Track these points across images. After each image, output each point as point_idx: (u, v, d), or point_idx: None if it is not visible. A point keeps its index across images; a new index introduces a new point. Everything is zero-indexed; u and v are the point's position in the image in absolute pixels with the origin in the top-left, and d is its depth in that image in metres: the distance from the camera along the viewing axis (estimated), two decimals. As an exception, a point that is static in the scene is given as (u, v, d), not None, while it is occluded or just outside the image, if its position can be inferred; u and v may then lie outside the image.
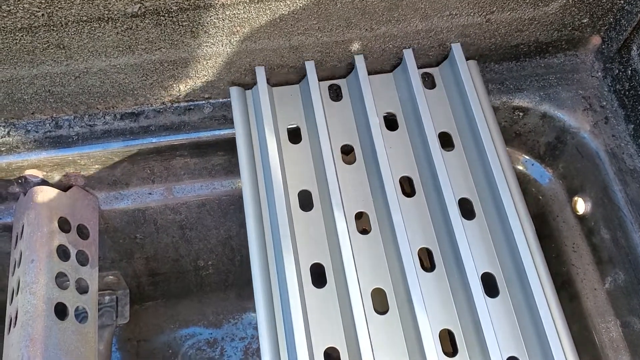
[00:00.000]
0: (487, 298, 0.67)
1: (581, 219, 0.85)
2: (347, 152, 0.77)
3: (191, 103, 0.82)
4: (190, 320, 1.12)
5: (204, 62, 0.76)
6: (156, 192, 0.88)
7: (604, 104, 0.84)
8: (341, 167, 0.76)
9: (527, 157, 0.92)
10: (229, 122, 0.81)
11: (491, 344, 0.63)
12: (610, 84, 0.84)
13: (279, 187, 0.70)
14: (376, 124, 0.75)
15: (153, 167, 0.85)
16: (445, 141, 0.78)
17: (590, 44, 0.86)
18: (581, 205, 0.84)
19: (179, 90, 0.80)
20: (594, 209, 0.83)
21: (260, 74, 0.77)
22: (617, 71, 0.83)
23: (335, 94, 0.82)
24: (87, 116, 0.81)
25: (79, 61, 0.72)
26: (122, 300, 1.00)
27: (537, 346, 0.65)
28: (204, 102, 0.82)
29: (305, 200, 0.74)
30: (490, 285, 0.70)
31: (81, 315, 0.78)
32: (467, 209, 0.74)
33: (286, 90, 0.81)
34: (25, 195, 0.82)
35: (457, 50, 0.80)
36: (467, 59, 0.83)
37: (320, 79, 0.80)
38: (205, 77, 0.78)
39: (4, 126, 0.80)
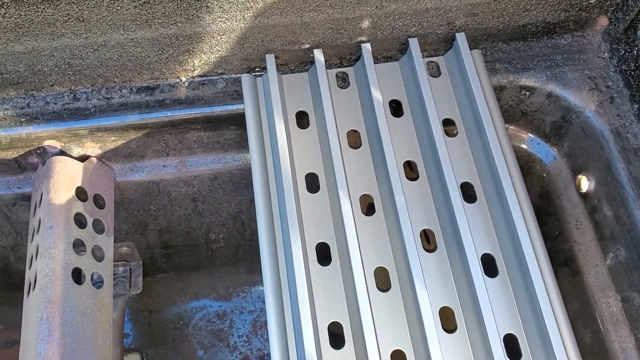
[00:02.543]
0: (486, 278, 0.70)
1: (584, 196, 0.87)
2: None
3: (205, 78, 0.84)
4: (201, 293, 1.15)
5: (218, 38, 0.78)
6: (170, 165, 0.91)
7: (610, 84, 0.85)
8: (347, 151, 0.78)
9: (532, 136, 0.93)
10: (241, 97, 0.83)
11: (489, 321, 0.66)
12: (616, 65, 0.86)
13: (286, 169, 0.73)
14: (381, 109, 0.78)
15: (167, 140, 0.87)
16: (449, 127, 0.81)
17: (597, 25, 0.87)
18: (585, 184, 0.86)
19: (193, 65, 0.82)
20: (598, 187, 0.84)
21: (271, 61, 0.80)
22: (623, 52, 0.85)
23: (343, 81, 0.84)
24: (104, 89, 0.84)
25: (98, 34, 0.74)
26: (136, 272, 1.03)
27: (534, 324, 0.68)
28: (217, 77, 0.84)
29: (312, 183, 0.76)
30: (489, 266, 0.72)
31: (97, 282, 0.80)
32: (468, 193, 0.76)
33: (295, 78, 0.84)
34: (43, 165, 0.85)
35: (461, 39, 0.83)
36: (476, 39, 0.85)
37: (329, 66, 0.84)
38: (219, 53, 0.80)
39: (23, 98, 0.83)
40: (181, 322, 1.13)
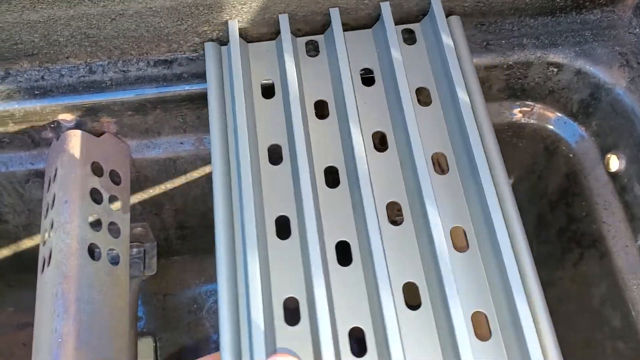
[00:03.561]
0: (455, 253, 0.66)
1: (614, 176, 0.85)
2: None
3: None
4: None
5: (239, 7, 0.75)
6: (187, 142, 0.89)
7: (641, 60, 0.83)
8: (313, 121, 0.75)
9: (559, 115, 0.91)
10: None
11: (455, 297, 0.61)
12: (647, 40, 0.83)
13: (244, 140, 0.70)
14: (348, 78, 0.74)
15: (185, 116, 0.85)
16: (424, 97, 0.77)
17: (628, 0, 0.85)
18: (614, 163, 0.84)
19: (212, 37, 0.80)
20: (628, 166, 0.82)
21: (233, 28, 0.77)
22: (655, 27, 0.82)
23: (314, 49, 0.81)
24: (120, 62, 0.81)
25: (116, 2, 0.72)
26: (150, 253, 1.01)
27: (504, 302, 0.63)
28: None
29: (276, 154, 0.73)
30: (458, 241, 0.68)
31: (112, 259, 0.78)
32: (439, 164, 0.73)
33: (263, 47, 0.80)
34: (58, 140, 0.83)
35: (436, 5, 0.79)
36: (501, 9, 0.82)
37: (301, 34, 0.80)
38: (239, 24, 0.78)
39: (38, 70, 0.81)
40: (195, 306, 1.11)
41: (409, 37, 0.81)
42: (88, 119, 0.82)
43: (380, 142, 0.76)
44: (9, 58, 0.79)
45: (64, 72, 0.81)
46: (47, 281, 0.74)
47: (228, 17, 0.77)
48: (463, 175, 0.71)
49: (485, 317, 0.64)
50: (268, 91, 0.78)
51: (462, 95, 0.73)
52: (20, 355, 1.11)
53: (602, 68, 0.83)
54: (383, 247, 0.65)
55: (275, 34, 0.80)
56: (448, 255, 0.64)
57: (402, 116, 0.73)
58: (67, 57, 0.80)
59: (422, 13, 0.82)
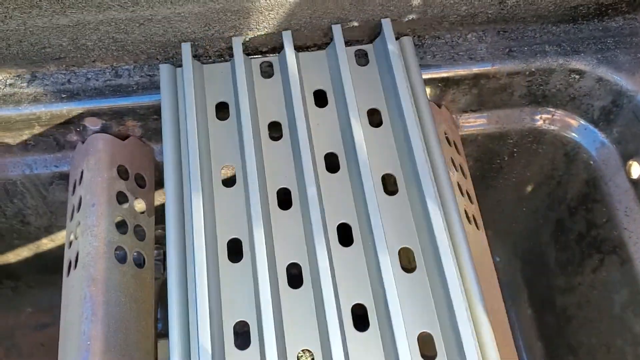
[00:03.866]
0: (401, 273, 0.66)
1: (635, 183, 0.85)
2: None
3: (249, 57, 0.82)
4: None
5: (266, 13, 0.76)
6: (210, 146, 0.89)
7: (663, 68, 0.83)
8: (267, 143, 0.75)
9: (579, 122, 0.91)
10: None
11: (400, 319, 0.62)
12: (669, 48, 0.84)
13: (195, 162, 0.70)
14: (299, 99, 0.75)
15: (208, 120, 0.85)
16: (375, 118, 0.78)
17: (651, 7, 0.85)
18: (636, 170, 0.84)
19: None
20: (650, 173, 0.82)
21: (186, 49, 0.78)
22: (677, 35, 0.83)
23: (269, 70, 0.81)
24: (146, 66, 0.82)
25: (145, 7, 0.73)
26: (170, 255, 1.01)
27: (449, 322, 0.63)
28: (260, 56, 0.83)
29: (229, 177, 0.74)
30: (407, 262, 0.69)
31: (137, 262, 0.79)
32: (390, 185, 0.73)
33: (217, 68, 0.81)
34: (83, 143, 0.83)
35: (386, 26, 0.79)
36: (524, 16, 0.82)
37: (257, 54, 0.81)
38: (265, 30, 0.79)
39: (64, 73, 0.81)
40: (213, 308, 1.11)
41: (363, 58, 0.82)
42: (114, 123, 0.83)
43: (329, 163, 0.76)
44: (37, 61, 0.79)
45: (90, 76, 0.81)
46: (73, 284, 0.74)
47: (254, 24, 0.77)
48: (411, 196, 0.71)
49: (432, 335, 0.64)
50: (223, 112, 0.78)
51: (411, 118, 0.73)
52: (39, 356, 1.11)
53: (624, 75, 0.84)
54: (332, 269, 0.66)
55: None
56: (393, 275, 0.64)
57: (352, 138, 0.73)
58: (93, 61, 0.81)
59: (375, 34, 0.82)
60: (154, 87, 0.81)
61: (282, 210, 0.71)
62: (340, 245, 0.69)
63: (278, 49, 0.82)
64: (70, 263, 0.77)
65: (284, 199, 0.72)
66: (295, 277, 0.68)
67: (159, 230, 0.98)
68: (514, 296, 1.19)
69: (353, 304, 0.66)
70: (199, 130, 0.73)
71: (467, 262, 0.67)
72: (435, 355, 0.63)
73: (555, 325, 1.05)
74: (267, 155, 0.74)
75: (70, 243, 0.79)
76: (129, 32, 0.76)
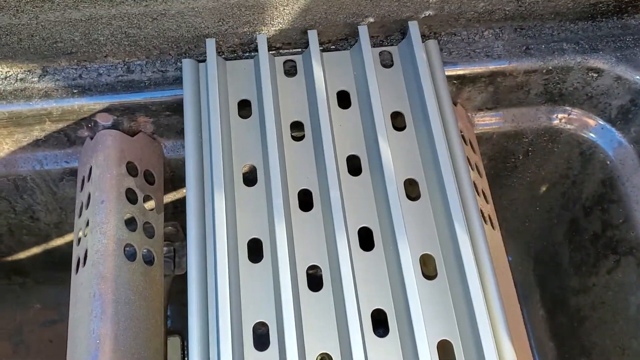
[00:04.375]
0: (423, 280, 0.66)
1: (653, 184, 0.84)
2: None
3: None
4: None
5: (281, 9, 0.75)
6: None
7: (683, 66, 0.82)
8: (289, 143, 0.74)
9: (597, 121, 0.90)
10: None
11: (421, 326, 0.61)
12: (690, 47, 0.82)
13: (217, 161, 0.69)
14: (323, 100, 0.74)
15: (220, 116, 0.84)
16: (398, 121, 0.76)
17: (671, 5, 0.84)
18: (654, 170, 0.83)
19: (252, 38, 0.79)
20: (668, 174, 0.81)
21: (211, 45, 0.76)
22: (698, 33, 0.81)
23: (292, 69, 0.80)
24: (159, 62, 0.81)
25: (159, 2, 0.72)
26: (180, 252, 1.00)
27: (470, 330, 0.63)
28: (274, 51, 0.81)
29: (250, 175, 0.73)
30: (428, 268, 0.68)
31: (147, 259, 0.78)
32: (412, 191, 0.72)
33: (240, 65, 0.80)
34: (92, 139, 0.82)
35: (413, 28, 0.78)
36: (541, 13, 0.81)
37: (279, 53, 0.80)
38: (280, 25, 0.77)
39: (75, 68, 0.81)
40: (223, 306, 1.11)
41: (387, 59, 0.81)
42: (125, 119, 0.82)
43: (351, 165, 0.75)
44: (48, 56, 0.78)
45: (102, 71, 0.81)
46: (82, 281, 0.74)
47: (269, 20, 0.76)
48: (434, 202, 0.70)
49: (451, 345, 0.63)
50: (245, 110, 0.77)
51: (437, 125, 0.72)
52: (47, 352, 1.11)
53: (643, 74, 0.83)
54: (353, 273, 0.64)
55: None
56: (415, 282, 0.64)
57: (376, 141, 0.72)
58: (105, 56, 0.80)
59: (401, 35, 0.81)
60: (167, 82, 0.80)
61: (303, 212, 0.70)
62: (361, 250, 0.68)
63: (292, 45, 0.81)
64: (79, 260, 0.76)
65: (304, 200, 0.71)
66: (314, 279, 0.67)
67: (169, 227, 0.97)
68: (526, 296, 1.18)
69: (373, 309, 0.65)
70: (222, 128, 0.72)
71: (489, 273, 0.66)
72: None
73: (568, 326, 1.04)
74: (289, 156, 0.73)
75: (79, 240, 0.78)
76: (141, 27, 0.75)
